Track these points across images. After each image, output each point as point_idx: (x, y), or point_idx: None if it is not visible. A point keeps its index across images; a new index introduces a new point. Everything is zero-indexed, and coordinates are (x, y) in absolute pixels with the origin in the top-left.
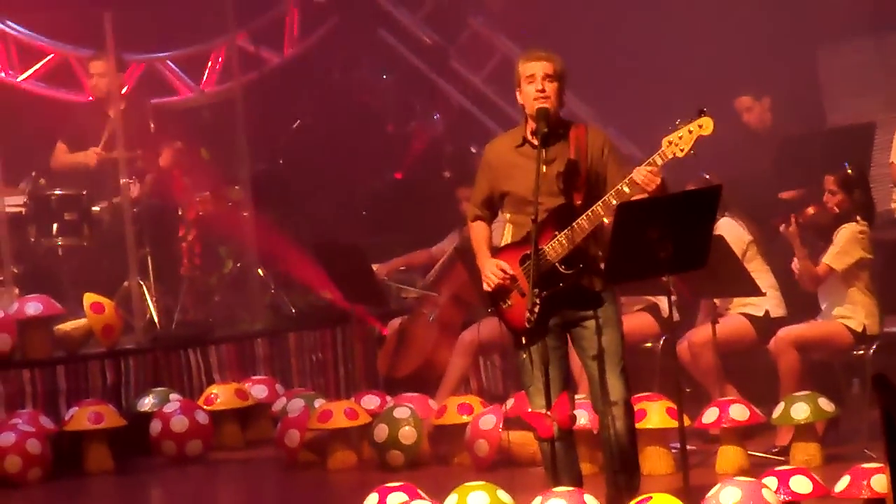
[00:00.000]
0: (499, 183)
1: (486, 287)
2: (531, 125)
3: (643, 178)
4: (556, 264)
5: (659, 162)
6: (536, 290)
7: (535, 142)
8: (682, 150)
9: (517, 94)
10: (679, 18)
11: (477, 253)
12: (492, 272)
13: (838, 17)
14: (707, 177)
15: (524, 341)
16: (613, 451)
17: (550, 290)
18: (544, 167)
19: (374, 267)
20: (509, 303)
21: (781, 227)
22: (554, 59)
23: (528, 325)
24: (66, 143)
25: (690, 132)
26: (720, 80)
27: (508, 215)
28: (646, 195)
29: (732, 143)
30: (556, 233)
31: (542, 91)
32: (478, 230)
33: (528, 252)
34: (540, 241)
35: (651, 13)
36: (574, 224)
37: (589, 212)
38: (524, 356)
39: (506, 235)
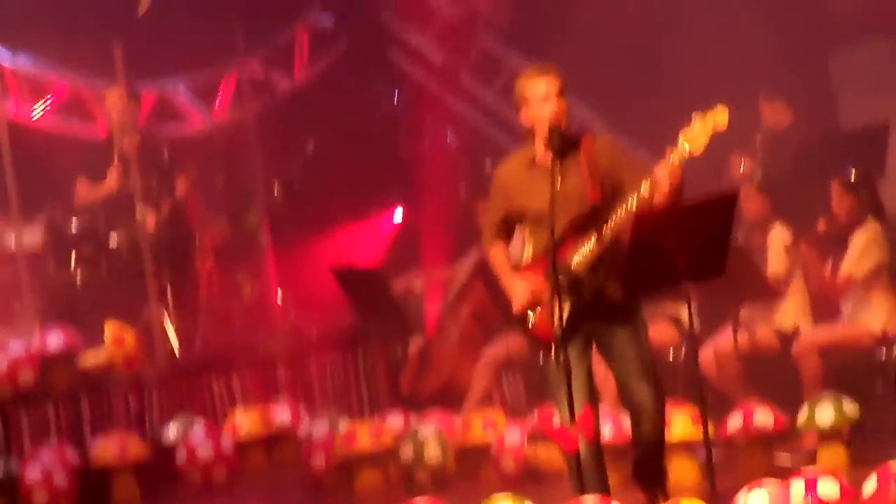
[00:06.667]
0: (514, 203)
1: (516, 309)
2: (540, 144)
3: (662, 176)
4: (580, 274)
5: (676, 160)
6: (560, 303)
7: (548, 161)
8: (698, 145)
9: (522, 114)
10: (687, 22)
11: (500, 275)
12: (520, 292)
13: (848, 18)
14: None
15: (551, 354)
16: (644, 450)
17: (575, 300)
18: (559, 181)
19: (393, 283)
20: (535, 317)
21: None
22: (559, 74)
23: (555, 337)
24: (87, 178)
25: (705, 125)
26: (731, 84)
27: (528, 232)
28: (664, 196)
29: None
30: (577, 243)
31: (559, 111)
32: (497, 252)
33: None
34: (563, 253)
35: (660, 18)
36: (596, 233)
37: (610, 219)
38: (551, 369)
39: (526, 252)
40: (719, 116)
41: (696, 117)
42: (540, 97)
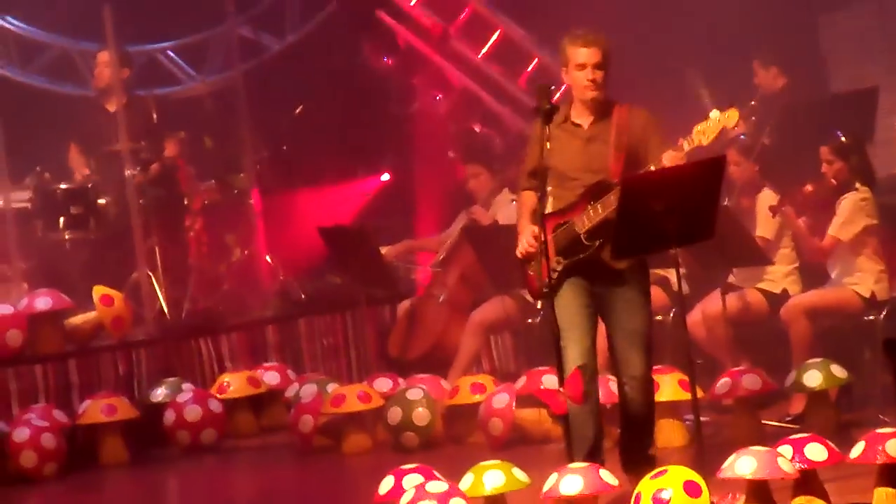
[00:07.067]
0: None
1: (518, 252)
2: (576, 104)
3: (670, 160)
4: (581, 235)
5: (686, 147)
6: (559, 258)
7: (577, 120)
8: (707, 138)
9: (563, 73)
10: None
11: (519, 219)
12: (526, 239)
13: None
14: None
15: (540, 306)
16: (630, 422)
17: (571, 259)
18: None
19: (383, 249)
20: (533, 268)
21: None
22: (602, 45)
23: (544, 290)
24: (77, 143)
25: (718, 122)
26: (723, 50)
27: (550, 188)
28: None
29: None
30: (588, 208)
31: (594, 80)
32: (525, 198)
33: (562, 222)
34: (574, 213)
35: None
36: (603, 198)
37: (617, 188)
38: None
39: (549, 206)
40: (731, 116)
41: (712, 113)
42: (578, 64)
